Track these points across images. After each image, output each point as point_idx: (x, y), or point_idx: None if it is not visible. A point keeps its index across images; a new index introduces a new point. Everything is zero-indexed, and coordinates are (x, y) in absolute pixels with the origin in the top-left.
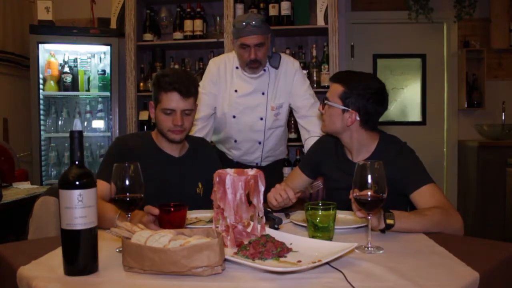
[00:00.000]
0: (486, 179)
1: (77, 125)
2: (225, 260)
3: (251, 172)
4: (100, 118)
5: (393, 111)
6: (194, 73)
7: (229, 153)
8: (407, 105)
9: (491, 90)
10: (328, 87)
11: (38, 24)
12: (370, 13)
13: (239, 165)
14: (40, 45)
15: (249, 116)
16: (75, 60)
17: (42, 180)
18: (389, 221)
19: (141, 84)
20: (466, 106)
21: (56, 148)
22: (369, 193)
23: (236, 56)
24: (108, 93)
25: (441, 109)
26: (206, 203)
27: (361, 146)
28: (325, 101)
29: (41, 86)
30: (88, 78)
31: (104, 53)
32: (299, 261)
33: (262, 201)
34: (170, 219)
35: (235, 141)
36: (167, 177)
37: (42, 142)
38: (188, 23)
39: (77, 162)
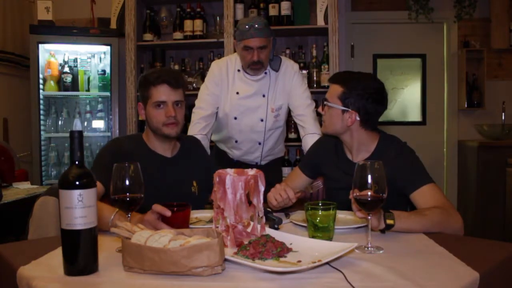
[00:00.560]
0: (486, 179)
1: (77, 125)
2: (225, 260)
3: (251, 172)
4: (100, 118)
5: (393, 111)
6: (194, 73)
7: (230, 153)
8: (407, 105)
9: (491, 90)
10: (328, 87)
11: (38, 24)
12: (370, 13)
13: (239, 164)
14: (40, 45)
15: (250, 117)
16: (75, 60)
17: (42, 180)
18: (389, 221)
19: None
20: (466, 106)
21: (56, 148)
22: (369, 193)
23: (239, 58)
24: (108, 93)
25: (441, 109)
26: (201, 202)
27: (361, 146)
28: (325, 102)
29: (41, 86)
30: (88, 78)
31: (104, 53)
32: (299, 261)
33: (262, 201)
34: (175, 219)
35: (236, 141)
36: (162, 178)
37: (42, 142)
38: (188, 23)
39: (77, 162)
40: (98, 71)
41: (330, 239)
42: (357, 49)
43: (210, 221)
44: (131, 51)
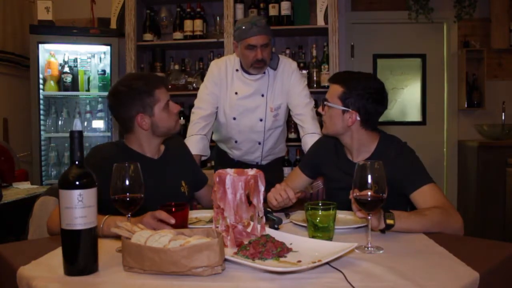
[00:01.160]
0: (486, 179)
1: (77, 125)
2: (225, 260)
3: (251, 172)
4: (100, 118)
5: (393, 111)
6: (194, 73)
7: (230, 153)
8: (407, 105)
9: (491, 90)
10: (328, 87)
11: (38, 24)
12: (370, 13)
13: (240, 164)
14: (40, 45)
15: (249, 117)
16: (75, 60)
17: (42, 180)
18: (389, 221)
19: None
20: (466, 106)
21: (56, 148)
22: (369, 193)
23: (240, 57)
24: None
25: (441, 109)
26: (191, 201)
27: (361, 146)
28: (325, 102)
29: (41, 86)
30: (88, 78)
31: (104, 53)
32: (299, 261)
33: (262, 201)
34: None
35: (236, 141)
36: (151, 180)
37: (42, 142)
38: (188, 23)
39: (77, 162)
40: (98, 71)
41: (330, 239)
42: (357, 49)
43: (210, 221)
44: (131, 51)
